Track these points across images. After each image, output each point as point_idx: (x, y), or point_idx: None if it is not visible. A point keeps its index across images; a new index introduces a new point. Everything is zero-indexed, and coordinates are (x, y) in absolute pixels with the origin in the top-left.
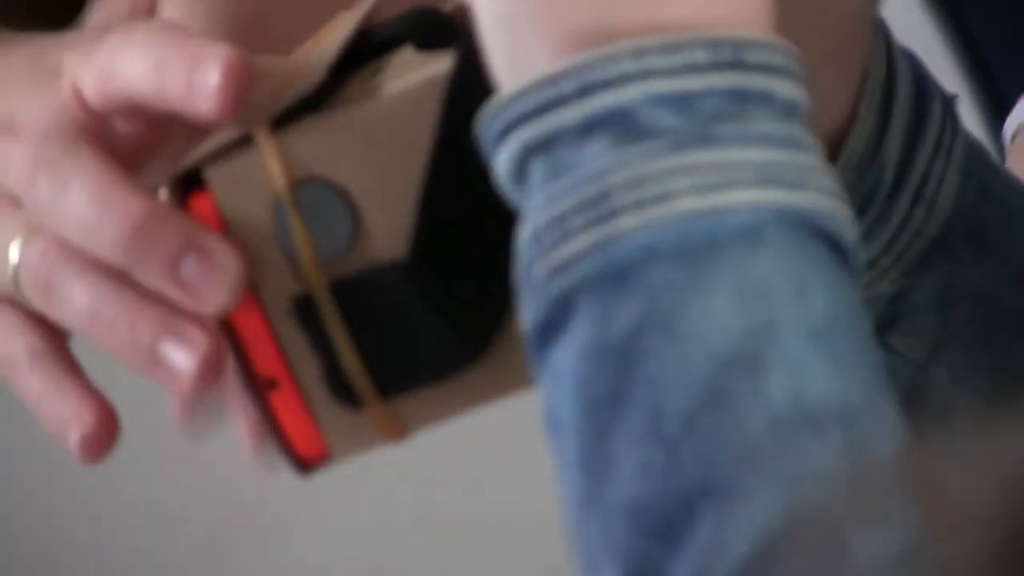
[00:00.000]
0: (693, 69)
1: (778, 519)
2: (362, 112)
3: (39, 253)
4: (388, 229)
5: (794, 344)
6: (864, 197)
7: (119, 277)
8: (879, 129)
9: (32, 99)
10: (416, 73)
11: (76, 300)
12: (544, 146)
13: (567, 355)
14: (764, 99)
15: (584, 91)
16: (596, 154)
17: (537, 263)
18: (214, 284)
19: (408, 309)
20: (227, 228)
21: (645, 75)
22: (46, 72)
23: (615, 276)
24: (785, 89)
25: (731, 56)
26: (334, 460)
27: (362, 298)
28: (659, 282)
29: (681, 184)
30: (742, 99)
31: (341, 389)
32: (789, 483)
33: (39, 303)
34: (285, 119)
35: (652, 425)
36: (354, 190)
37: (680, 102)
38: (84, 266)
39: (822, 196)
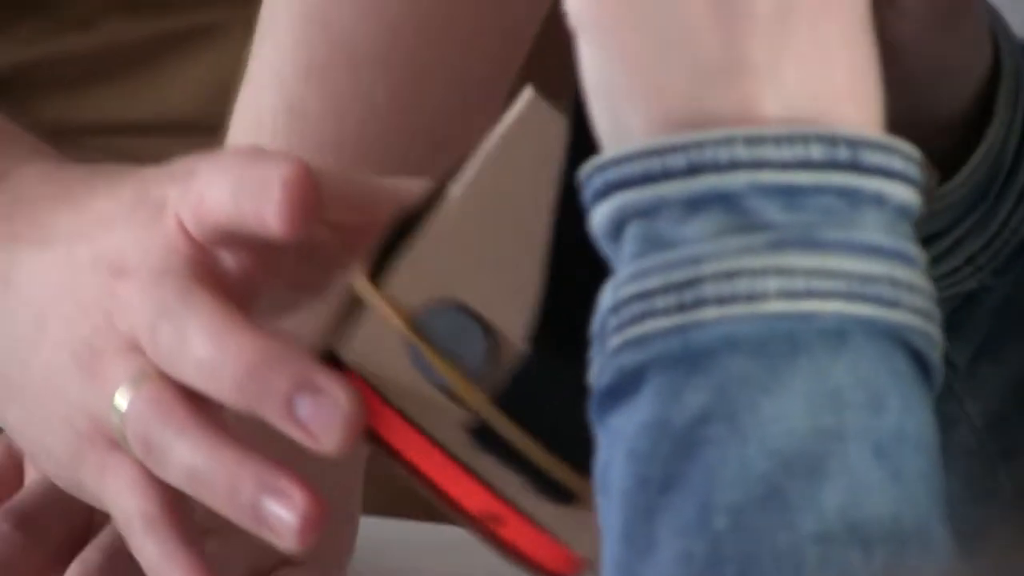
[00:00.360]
0: (807, 165)
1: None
2: (437, 223)
3: (142, 408)
4: (518, 319)
5: (858, 457)
6: (980, 193)
7: (219, 431)
8: (1008, 124)
9: (140, 237)
10: (471, 165)
11: (177, 459)
12: (644, 214)
13: (628, 425)
14: (877, 202)
15: (692, 170)
16: (694, 236)
17: (613, 335)
18: (329, 424)
19: (567, 384)
20: (381, 393)
21: (757, 164)
22: (151, 208)
23: (690, 360)
24: (899, 194)
25: (848, 156)
26: (589, 558)
27: (526, 395)
28: (733, 374)
29: (772, 286)
30: (854, 200)
31: (553, 491)
32: None
33: (142, 458)
34: (382, 257)
35: (700, 514)
36: (467, 297)
37: (789, 196)
38: (184, 424)
39: (913, 315)
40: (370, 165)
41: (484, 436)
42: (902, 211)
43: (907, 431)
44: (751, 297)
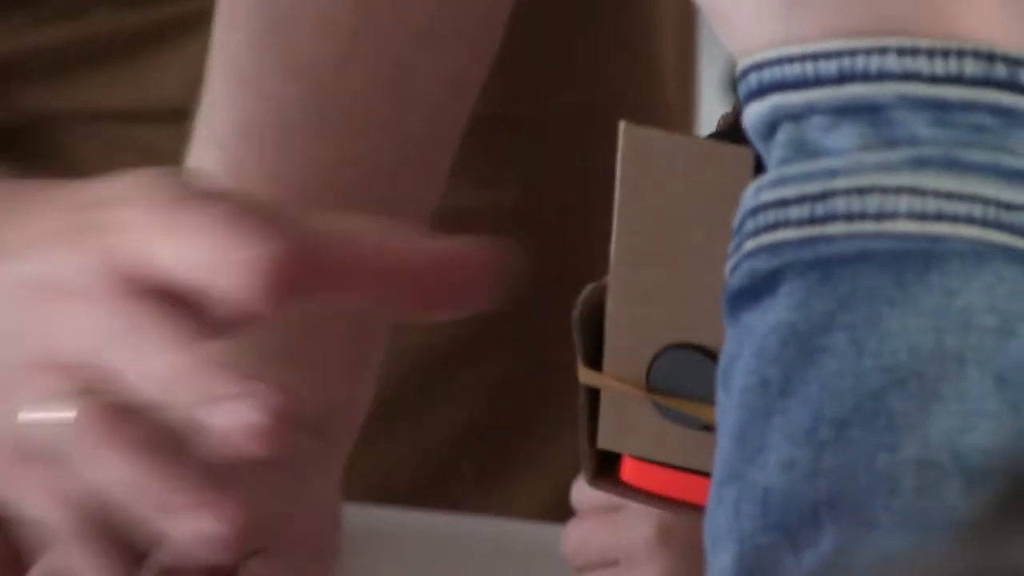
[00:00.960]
0: (959, 80)
1: (905, 557)
2: (614, 287)
3: (72, 422)
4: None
5: (975, 384)
6: None
7: (143, 444)
8: None
9: (74, 257)
10: (614, 221)
11: (101, 471)
12: (795, 118)
13: (760, 324)
14: None
15: (842, 78)
16: (837, 147)
17: (749, 238)
18: (245, 428)
19: None
20: (653, 460)
21: (906, 76)
22: (89, 228)
23: (822, 267)
24: None
25: (1006, 74)
26: None
27: None
28: (860, 284)
29: (903, 205)
30: (1010, 120)
31: None
32: (922, 525)
33: (66, 471)
34: (590, 340)
35: (810, 423)
36: (679, 335)
37: (939, 111)
38: (108, 439)
39: None
40: None
41: None
42: None
43: None
44: (880, 215)
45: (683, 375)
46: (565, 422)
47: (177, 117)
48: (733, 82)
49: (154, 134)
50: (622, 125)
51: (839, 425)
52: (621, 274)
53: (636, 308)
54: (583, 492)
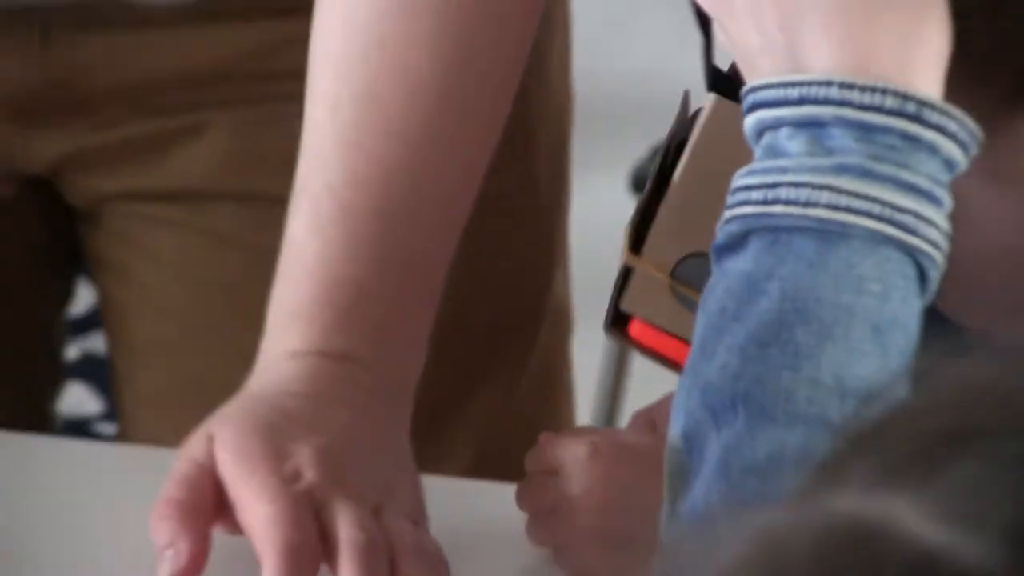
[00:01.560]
0: (879, 110)
1: (792, 446)
2: (668, 200)
3: None
4: None
5: (859, 330)
6: None
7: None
8: None
9: None
10: (684, 156)
11: None
12: (772, 128)
13: (734, 268)
14: (931, 151)
15: (801, 101)
16: (793, 151)
17: (727, 209)
18: None
19: None
20: (658, 327)
21: (842, 103)
22: None
23: (773, 233)
24: (949, 149)
25: (914, 110)
26: None
27: None
28: (793, 249)
29: (823, 198)
30: (913, 145)
31: None
32: (808, 424)
33: None
34: (637, 234)
35: (745, 342)
36: (708, 246)
37: (863, 130)
38: None
39: (924, 243)
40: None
41: None
42: (948, 163)
43: (900, 320)
44: (807, 204)
45: (700, 276)
46: (486, 393)
47: (197, 197)
48: (636, 182)
49: (179, 210)
50: (711, 97)
51: (762, 346)
52: (678, 191)
53: (681, 218)
54: (533, 457)
